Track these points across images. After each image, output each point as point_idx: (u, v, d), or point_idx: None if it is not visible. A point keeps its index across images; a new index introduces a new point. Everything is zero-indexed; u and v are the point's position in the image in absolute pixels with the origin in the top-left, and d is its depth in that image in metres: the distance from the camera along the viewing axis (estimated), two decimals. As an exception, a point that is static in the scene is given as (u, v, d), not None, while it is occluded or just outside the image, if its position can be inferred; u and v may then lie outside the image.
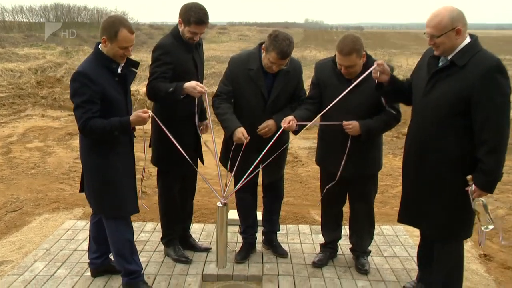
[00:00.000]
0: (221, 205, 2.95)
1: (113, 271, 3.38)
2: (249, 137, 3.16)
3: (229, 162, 3.32)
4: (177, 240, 3.74)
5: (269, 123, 3.26)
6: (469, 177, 2.63)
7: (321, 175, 3.57)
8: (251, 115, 3.29)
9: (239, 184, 3.20)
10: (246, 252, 3.75)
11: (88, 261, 3.42)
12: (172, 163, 3.38)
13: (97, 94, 2.77)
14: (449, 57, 2.65)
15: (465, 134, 2.63)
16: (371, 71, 2.91)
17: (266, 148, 3.11)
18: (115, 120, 2.81)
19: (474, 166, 2.60)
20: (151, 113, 2.94)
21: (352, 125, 3.13)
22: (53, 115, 10.31)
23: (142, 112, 2.86)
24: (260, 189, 3.70)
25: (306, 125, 3.15)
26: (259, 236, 3.92)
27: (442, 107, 2.65)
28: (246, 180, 3.13)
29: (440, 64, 2.71)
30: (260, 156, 3.14)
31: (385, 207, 5.22)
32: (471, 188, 2.62)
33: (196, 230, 4.28)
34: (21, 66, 16.28)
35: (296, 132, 3.28)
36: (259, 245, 3.91)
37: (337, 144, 3.26)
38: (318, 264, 3.62)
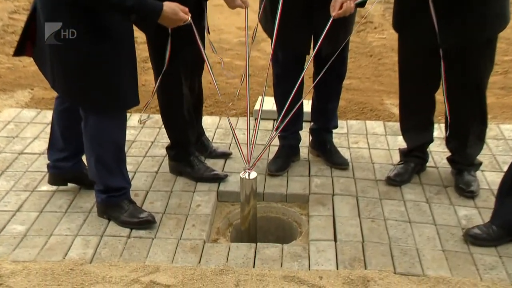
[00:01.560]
0: (247, 177, 2.98)
1: (84, 182, 3.50)
2: None
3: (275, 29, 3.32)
4: (193, 148, 3.77)
5: None
6: None
7: (399, 46, 3.61)
8: None
9: (276, 130, 3.37)
10: (284, 159, 3.83)
11: (48, 163, 3.48)
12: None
13: None
14: None
15: None
16: None
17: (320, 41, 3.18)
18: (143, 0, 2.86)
19: None
20: (191, 20, 2.99)
21: None
22: None
23: (182, 11, 2.92)
24: (310, 65, 3.63)
25: None
26: (305, 137, 3.99)
27: None
28: (291, 114, 3.27)
29: None
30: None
31: (508, 95, 5.18)
32: None
33: (209, 126, 4.36)
34: None
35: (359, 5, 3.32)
36: (304, 150, 3.97)
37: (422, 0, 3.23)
38: (397, 181, 3.68)
